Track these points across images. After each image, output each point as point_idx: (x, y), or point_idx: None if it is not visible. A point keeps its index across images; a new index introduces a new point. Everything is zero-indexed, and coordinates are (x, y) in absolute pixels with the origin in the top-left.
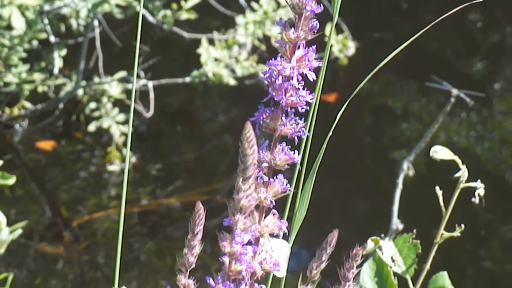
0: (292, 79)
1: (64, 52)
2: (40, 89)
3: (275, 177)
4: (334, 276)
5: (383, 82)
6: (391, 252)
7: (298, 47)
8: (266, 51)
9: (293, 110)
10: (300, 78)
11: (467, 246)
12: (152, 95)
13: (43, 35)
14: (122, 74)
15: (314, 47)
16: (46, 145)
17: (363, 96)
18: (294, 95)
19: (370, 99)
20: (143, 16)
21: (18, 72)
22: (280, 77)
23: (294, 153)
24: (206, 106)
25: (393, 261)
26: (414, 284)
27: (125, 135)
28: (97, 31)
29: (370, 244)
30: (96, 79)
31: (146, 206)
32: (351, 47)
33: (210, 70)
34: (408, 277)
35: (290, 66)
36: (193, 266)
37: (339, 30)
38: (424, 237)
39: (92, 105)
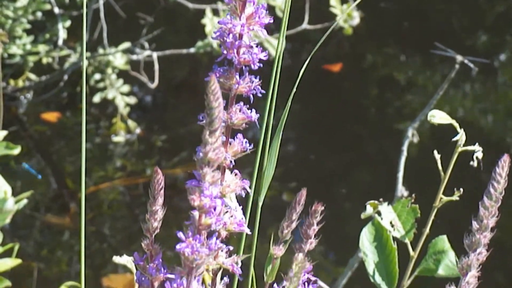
0: (243, 36)
1: (68, 23)
2: (45, 60)
3: (235, 137)
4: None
5: (387, 53)
6: (390, 216)
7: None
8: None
9: (247, 68)
10: (252, 35)
11: (469, 210)
12: (156, 66)
13: (47, 6)
14: (126, 45)
15: (265, 4)
16: (51, 116)
17: (367, 67)
18: (247, 53)
19: (375, 70)
20: None
21: (22, 43)
22: (231, 35)
23: (251, 112)
24: None
25: (392, 225)
26: (413, 248)
27: (130, 106)
28: (101, 2)
29: (368, 209)
30: (101, 50)
31: (151, 177)
32: (356, 17)
33: (214, 40)
34: (407, 241)
35: (240, 23)
36: (157, 231)
37: (344, 0)
38: (428, 202)
39: (97, 76)
